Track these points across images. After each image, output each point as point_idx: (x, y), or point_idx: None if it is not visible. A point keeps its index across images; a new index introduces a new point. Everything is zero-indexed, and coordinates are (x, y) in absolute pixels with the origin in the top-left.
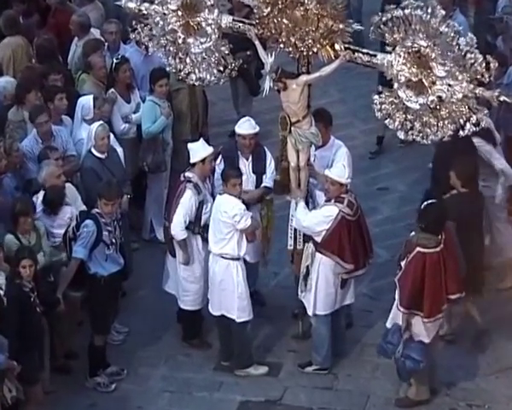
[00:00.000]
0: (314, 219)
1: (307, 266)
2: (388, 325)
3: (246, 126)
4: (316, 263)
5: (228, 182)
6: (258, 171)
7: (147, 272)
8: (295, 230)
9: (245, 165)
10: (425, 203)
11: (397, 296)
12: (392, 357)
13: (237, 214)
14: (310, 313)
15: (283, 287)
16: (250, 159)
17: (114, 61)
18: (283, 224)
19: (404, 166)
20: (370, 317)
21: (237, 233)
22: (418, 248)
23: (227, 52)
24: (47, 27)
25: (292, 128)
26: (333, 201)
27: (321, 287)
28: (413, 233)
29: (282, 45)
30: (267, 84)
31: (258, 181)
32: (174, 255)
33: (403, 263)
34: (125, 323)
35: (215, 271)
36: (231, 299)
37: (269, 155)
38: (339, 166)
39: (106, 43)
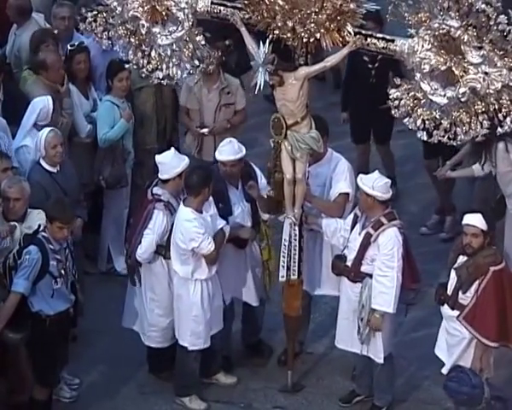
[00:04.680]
0: (392, 271)
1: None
2: (445, 370)
3: (225, 151)
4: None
5: (196, 195)
6: (252, 197)
7: (103, 311)
8: (288, 256)
9: (235, 194)
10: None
11: (474, 334)
12: (482, 406)
13: (193, 239)
14: (380, 360)
15: (268, 329)
16: (240, 186)
17: (69, 47)
18: None
19: (417, 183)
20: None
21: (195, 256)
22: (492, 268)
23: (203, 43)
24: None
25: (288, 132)
26: (385, 221)
27: (386, 327)
28: (461, 259)
29: (276, 31)
30: (261, 78)
31: (254, 209)
32: (134, 283)
33: (465, 296)
34: (75, 373)
35: (174, 282)
36: (185, 320)
37: (258, 173)
38: (383, 181)
39: (55, 31)
